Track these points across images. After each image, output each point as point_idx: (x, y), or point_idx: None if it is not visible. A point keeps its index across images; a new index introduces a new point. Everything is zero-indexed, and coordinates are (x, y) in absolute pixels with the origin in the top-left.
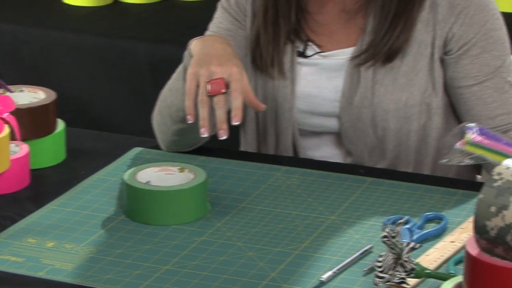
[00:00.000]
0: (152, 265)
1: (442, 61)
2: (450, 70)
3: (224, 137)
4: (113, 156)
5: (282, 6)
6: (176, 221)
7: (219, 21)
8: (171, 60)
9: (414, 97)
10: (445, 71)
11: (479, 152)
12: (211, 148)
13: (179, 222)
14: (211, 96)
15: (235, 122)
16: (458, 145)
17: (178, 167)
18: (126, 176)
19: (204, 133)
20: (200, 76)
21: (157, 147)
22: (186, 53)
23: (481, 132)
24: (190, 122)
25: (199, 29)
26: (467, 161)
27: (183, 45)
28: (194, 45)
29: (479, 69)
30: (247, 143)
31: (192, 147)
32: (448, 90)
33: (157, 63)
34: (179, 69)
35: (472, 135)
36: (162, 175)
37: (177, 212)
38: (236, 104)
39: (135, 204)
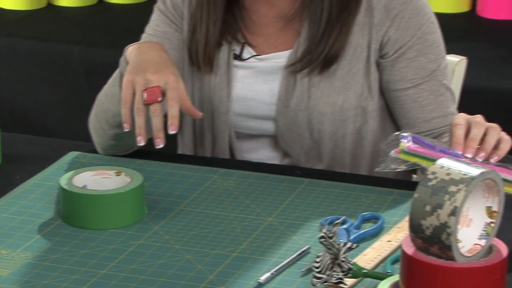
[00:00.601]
0: (89, 269)
1: (378, 64)
2: (387, 73)
3: (161, 146)
4: (49, 160)
5: (217, 9)
6: (113, 225)
7: (155, 23)
8: (106, 64)
9: (350, 100)
10: (381, 74)
11: (413, 160)
12: (148, 152)
13: (116, 226)
14: (147, 104)
15: (172, 131)
16: (392, 153)
17: (115, 171)
18: (62, 180)
19: (141, 142)
20: (136, 84)
21: (93, 151)
22: (122, 59)
23: (415, 141)
24: (126, 130)
25: (134, 32)
26: (402, 168)
27: (118, 49)
28: (130, 51)
29: (415, 72)
30: (184, 146)
31: (129, 150)
32: (385, 93)
33: (92, 66)
34: (115, 74)
35: (407, 143)
36: (98, 179)
37: (114, 216)
38: (173, 112)
39: (72, 208)
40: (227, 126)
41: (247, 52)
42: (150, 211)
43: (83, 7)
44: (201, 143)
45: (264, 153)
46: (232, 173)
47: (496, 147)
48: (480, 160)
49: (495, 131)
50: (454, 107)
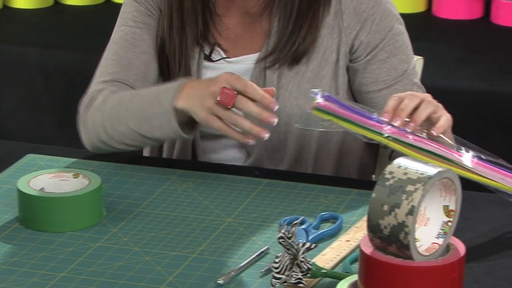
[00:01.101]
0: (48, 272)
1: (348, 68)
2: (359, 76)
3: (267, 135)
4: (5, 163)
5: (188, 12)
6: (71, 227)
7: (133, 15)
8: (63, 65)
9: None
10: (352, 78)
11: (327, 117)
12: (105, 153)
13: (75, 228)
14: (228, 107)
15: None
16: (308, 109)
17: (72, 173)
18: (19, 183)
19: (266, 135)
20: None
21: (50, 153)
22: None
23: (328, 99)
24: (386, 120)
25: (91, 34)
26: (320, 128)
27: (75, 50)
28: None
29: (387, 73)
30: (146, 149)
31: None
32: (357, 96)
33: (48, 68)
34: (161, 106)
35: (319, 100)
36: (56, 182)
37: (72, 218)
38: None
39: (30, 211)
40: None
41: (217, 54)
42: (108, 213)
43: (39, 9)
44: (166, 143)
45: (227, 154)
46: (191, 174)
47: (434, 123)
48: (408, 130)
49: (429, 105)
50: None
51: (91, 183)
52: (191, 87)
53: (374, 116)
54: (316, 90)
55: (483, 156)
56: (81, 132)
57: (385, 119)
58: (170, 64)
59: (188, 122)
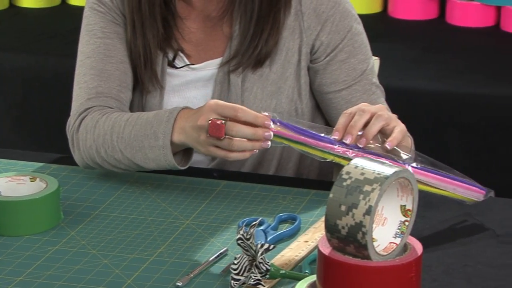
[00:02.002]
0: (5, 277)
1: (309, 69)
2: (319, 77)
3: (268, 143)
4: None
5: (146, 15)
6: (28, 231)
7: (101, 26)
8: (19, 68)
9: (282, 104)
10: (313, 78)
11: (284, 142)
12: (62, 157)
13: (32, 232)
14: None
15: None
16: None
17: (29, 177)
18: None
19: (268, 143)
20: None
21: (7, 157)
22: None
23: (280, 123)
24: (336, 138)
25: (47, 36)
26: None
27: (31, 53)
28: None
29: (347, 73)
30: None
31: None
32: (317, 96)
33: (4, 71)
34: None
35: (271, 126)
36: (13, 185)
37: (30, 222)
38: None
39: None
40: None
41: (181, 60)
42: (66, 216)
43: None
44: None
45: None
46: (148, 176)
47: (388, 136)
48: (361, 145)
49: (380, 118)
50: (385, 103)
51: (48, 187)
52: (184, 120)
53: (325, 137)
54: (266, 114)
55: (429, 167)
56: (73, 153)
57: (336, 137)
58: (138, 70)
59: (183, 150)
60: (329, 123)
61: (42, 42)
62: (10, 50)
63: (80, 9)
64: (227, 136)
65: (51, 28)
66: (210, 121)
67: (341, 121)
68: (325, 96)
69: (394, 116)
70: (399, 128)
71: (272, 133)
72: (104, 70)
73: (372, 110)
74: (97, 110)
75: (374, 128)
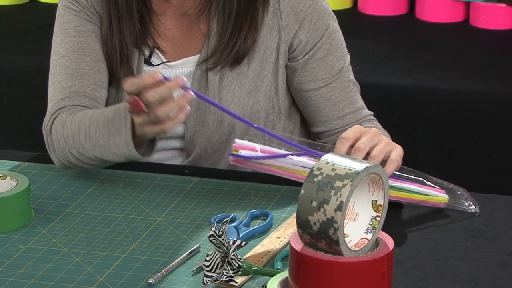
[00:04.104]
0: None
1: (287, 66)
2: (298, 75)
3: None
4: None
5: (123, 10)
6: None
7: (75, 24)
8: None
9: (259, 102)
10: (291, 76)
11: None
12: (33, 155)
13: (3, 230)
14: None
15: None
16: (230, 159)
17: (0, 175)
18: None
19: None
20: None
21: None
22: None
23: (238, 157)
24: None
25: (16, 34)
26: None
27: (1, 51)
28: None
29: (325, 71)
30: None
31: None
32: (296, 94)
33: None
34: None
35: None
36: None
37: (1, 220)
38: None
39: None
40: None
41: (157, 57)
42: (37, 215)
43: None
44: None
45: (165, 154)
46: (120, 174)
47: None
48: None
49: (375, 161)
50: (361, 100)
51: (19, 185)
52: None
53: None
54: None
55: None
56: (50, 154)
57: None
58: (114, 67)
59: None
60: (305, 120)
61: (11, 39)
62: None
63: (49, 6)
64: (148, 108)
65: (20, 25)
66: (128, 100)
67: (339, 147)
68: (304, 94)
69: (387, 143)
70: (393, 156)
71: (186, 81)
72: (79, 69)
73: (367, 147)
74: (66, 111)
75: (380, 156)
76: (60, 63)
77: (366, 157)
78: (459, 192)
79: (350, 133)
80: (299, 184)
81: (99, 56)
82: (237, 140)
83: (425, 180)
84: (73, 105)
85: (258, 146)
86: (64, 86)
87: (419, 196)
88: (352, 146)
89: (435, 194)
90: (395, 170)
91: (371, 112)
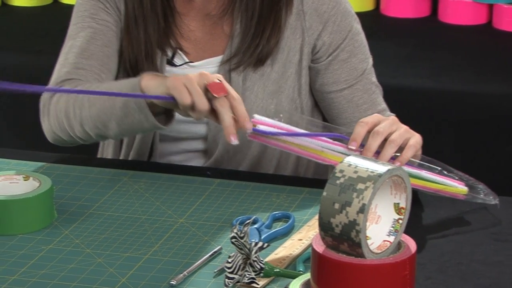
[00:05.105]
0: None
1: (310, 68)
2: (320, 76)
3: (237, 142)
4: None
5: (148, 11)
6: (22, 230)
7: (91, 12)
8: (11, 67)
9: (282, 103)
10: (314, 78)
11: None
12: (56, 156)
13: (26, 231)
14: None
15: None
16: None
17: (23, 176)
18: None
19: (235, 141)
20: (191, 83)
21: (0, 156)
22: (135, 83)
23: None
24: (235, 143)
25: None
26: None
27: (23, 52)
28: (148, 79)
29: (348, 73)
30: (105, 147)
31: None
32: (318, 96)
33: None
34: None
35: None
36: (6, 184)
37: (24, 221)
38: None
39: None
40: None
41: (180, 58)
42: (60, 215)
43: None
44: (121, 145)
45: (187, 156)
46: (142, 175)
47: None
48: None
49: (392, 145)
50: (384, 102)
51: (41, 185)
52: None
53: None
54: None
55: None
56: (42, 122)
57: (353, 147)
58: (139, 66)
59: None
60: (328, 122)
61: (34, 41)
62: (2, 49)
63: (72, 8)
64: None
65: (43, 27)
66: (208, 83)
67: (358, 130)
68: (326, 95)
69: (406, 129)
70: (412, 142)
71: (237, 142)
72: (87, 49)
73: (386, 131)
74: (76, 80)
75: (387, 155)
76: (70, 44)
77: (384, 142)
78: (479, 187)
79: (369, 118)
80: (321, 186)
81: (111, 44)
82: (256, 116)
83: (444, 171)
84: (78, 79)
85: (277, 123)
86: (70, 62)
87: (438, 185)
88: (370, 131)
89: (454, 185)
90: (413, 158)
91: (394, 114)
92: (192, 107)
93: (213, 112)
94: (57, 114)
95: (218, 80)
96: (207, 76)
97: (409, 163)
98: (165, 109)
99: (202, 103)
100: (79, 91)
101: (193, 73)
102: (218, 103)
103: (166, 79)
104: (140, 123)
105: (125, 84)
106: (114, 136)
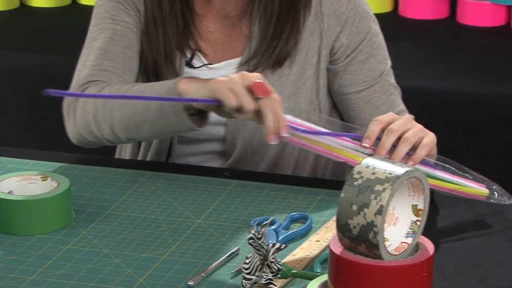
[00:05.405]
0: (17, 276)
1: (328, 70)
2: (339, 78)
3: (276, 142)
4: None
5: (167, 13)
6: (40, 230)
7: (111, 14)
8: (30, 68)
9: (300, 105)
10: (332, 79)
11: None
12: (74, 156)
13: (44, 231)
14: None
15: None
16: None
17: (41, 176)
18: None
19: (275, 141)
20: (235, 84)
21: (18, 156)
22: (171, 85)
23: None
24: (367, 145)
25: (57, 36)
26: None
27: (42, 52)
28: (186, 82)
29: (366, 74)
30: (123, 148)
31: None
32: (336, 97)
33: (15, 70)
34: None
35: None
36: (24, 184)
37: (41, 221)
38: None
39: None
40: None
41: (198, 60)
42: (77, 216)
43: (5, 11)
44: (140, 145)
45: (206, 157)
46: (160, 176)
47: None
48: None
49: (406, 143)
50: (402, 104)
51: (59, 186)
52: (188, 80)
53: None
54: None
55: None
56: (67, 123)
57: (367, 144)
58: (158, 67)
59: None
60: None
61: (53, 41)
62: (21, 49)
63: (90, 9)
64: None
65: (62, 27)
66: (251, 84)
67: (372, 128)
68: (344, 97)
69: (420, 128)
70: (425, 141)
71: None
72: (110, 50)
73: (400, 129)
74: (100, 82)
75: (401, 152)
76: (91, 46)
77: (398, 141)
78: (494, 188)
79: (384, 117)
80: (339, 188)
81: (132, 45)
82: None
83: (459, 170)
84: (102, 81)
85: (298, 121)
86: (94, 63)
87: (455, 186)
88: (384, 130)
89: (474, 186)
90: (428, 157)
91: (412, 116)
92: (239, 108)
93: (257, 112)
94: (85, 116)
95: (259, 80)
96: (249, 77)
97: (424, 162)
98: (198, 111)
99: (249, 104)
100: (125, 96)
101: (210, 75)
102: (263, 104)
103: (207, 82)
104: (175, 126)
105: (160, 87)
106: (144, 138)
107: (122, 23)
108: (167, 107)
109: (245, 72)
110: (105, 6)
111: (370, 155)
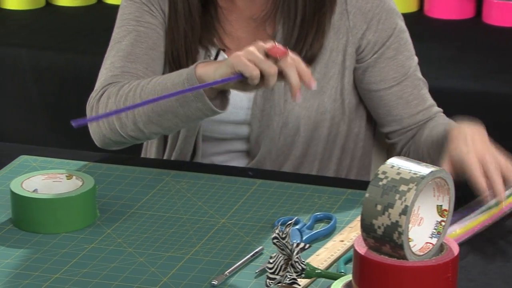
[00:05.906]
0: (42, 274)
1: (355, 69)
2: (367, 75)
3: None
4: None
5: (193, 12)
6: (65, 228)
7: (136, 15)
8: (56, 67)
9: (324, 104)
10: (361, 77)
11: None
12: (99, 155)
13: (68, 229)
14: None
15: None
16: None
17: (66, 174)
18: (12, 184)
19: (299, 99)
20: (252, 54)
21: (44, 154)
22: (189, 73)
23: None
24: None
25: (83, 35)
26: None
27: (67, 51)
28: (204, 66)
29: (396, 70)
30: (148, 147)
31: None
32: (365, 95)
33: (41, 70)
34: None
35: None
36: (49, 183)
37: (66, 219)
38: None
39: (23, 213)
40: (196, 131)
41: (223, 58)
42: (102, 214)
43: (31, 10)
44: (165, 145)
45: (230, 156)
46: (184, 175)
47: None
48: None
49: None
50: (431, 98)
51: (84, 184)
52: (205, 64)
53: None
54: None
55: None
56: (90, 126)
57: (491, 201)
58: (180, 59)
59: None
60: (370, 122)
61: (78, 40)
62: (47, 48)
63: (115, 8)
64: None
65: (87, 26)
66: (267, 49)
67: (479, 181)
68: (374, 93)
69: (503, 155)
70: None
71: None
72: (132, 53)
73: (498, 169)
74: (116, 84)
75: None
76: (115, 48)
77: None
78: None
79: (473, 160)
80: (363, 188)
81: (156, 46)
82: None
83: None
84: (123, 82)
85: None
86: (116, 66)
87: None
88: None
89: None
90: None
91: (441, 109)
92: (261, 76)
93: (279, 75)
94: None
95: (273, 44)
96: (262, 44)
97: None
98: (218, 93)
99: (270, 67)
100: (150, 100)
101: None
102: (283, 64)
103: (224, 61)
104: (198, 111)
105: (178, 76)
106: (168, 129)
107: (146, 24)
108: (187, 94)
109: (257, 41)
110: (130, 7)
111: (498, 203)
